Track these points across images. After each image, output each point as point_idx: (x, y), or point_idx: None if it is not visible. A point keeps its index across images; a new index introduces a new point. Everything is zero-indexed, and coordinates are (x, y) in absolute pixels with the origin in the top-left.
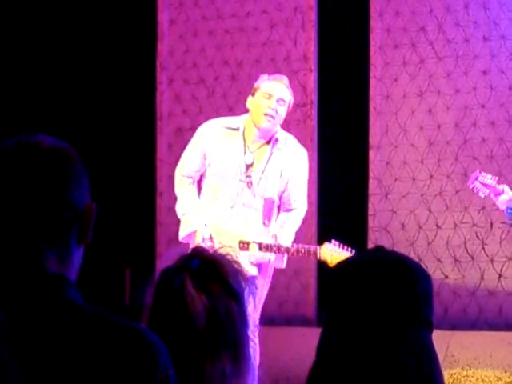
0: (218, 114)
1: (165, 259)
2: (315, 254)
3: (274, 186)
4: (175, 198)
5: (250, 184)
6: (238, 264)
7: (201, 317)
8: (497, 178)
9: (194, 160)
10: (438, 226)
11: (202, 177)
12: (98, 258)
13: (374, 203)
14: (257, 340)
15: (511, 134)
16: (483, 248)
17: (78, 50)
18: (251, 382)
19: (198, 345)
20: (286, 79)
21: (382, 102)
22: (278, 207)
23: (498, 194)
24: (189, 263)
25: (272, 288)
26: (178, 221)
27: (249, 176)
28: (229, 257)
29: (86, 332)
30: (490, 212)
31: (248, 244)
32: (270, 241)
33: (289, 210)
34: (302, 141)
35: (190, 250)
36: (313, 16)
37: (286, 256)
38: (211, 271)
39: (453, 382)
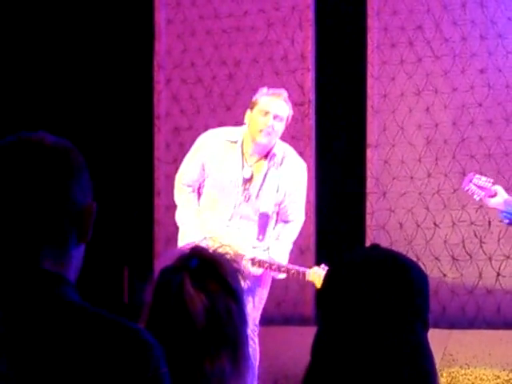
0: (215, 114)
1: (163, 259)
2: (304, 275)
3: (270, 201)
4: (173, 200)
5: (247, 198)
6: (237, 263)
7: (200, 316)
8: (492, 180)
9: (194, 170)
10: (435, 225)
11: (201, 184)
12: (96, 257)
13: (372, 202)
14: (257, 339)
15: (509, 132)
16: (481, 246)
17: (76, 49)
18: (250, 381)
19: (197, 344)
20: (284, 94)
21: (379, 100)
22: (276, 217)
23: (491, 196)
24: (188, 262)
25: (270, 287)
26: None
27: (247, 189)
28: (228, 256)
29: (82, 331)
30: (488, 210)
31: (242, 258)
32: (263, 255)
33: (286, 222)
34: (300, 140)
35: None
36: (310, 15)
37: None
38: (210, 270)
39: (451, 380)
